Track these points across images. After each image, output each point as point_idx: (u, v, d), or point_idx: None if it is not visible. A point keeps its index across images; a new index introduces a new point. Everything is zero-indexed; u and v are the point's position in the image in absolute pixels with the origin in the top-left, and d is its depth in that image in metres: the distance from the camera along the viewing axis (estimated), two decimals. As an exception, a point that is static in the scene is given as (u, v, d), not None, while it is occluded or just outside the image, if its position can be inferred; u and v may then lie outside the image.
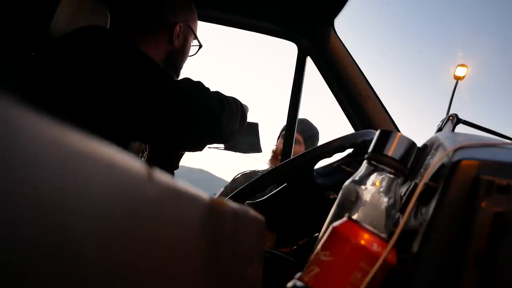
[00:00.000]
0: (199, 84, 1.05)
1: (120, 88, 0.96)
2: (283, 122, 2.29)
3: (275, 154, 2.26)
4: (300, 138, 2.21)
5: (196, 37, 1.27)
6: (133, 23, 1.19)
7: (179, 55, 1.24)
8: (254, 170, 2.23)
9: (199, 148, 1.11)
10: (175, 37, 1.19)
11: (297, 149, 2.06)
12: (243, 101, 1.22)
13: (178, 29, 1.19)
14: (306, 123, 2.29)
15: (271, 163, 2.25)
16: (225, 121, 1.05)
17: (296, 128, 2.18)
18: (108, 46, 1.02)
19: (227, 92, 1.15)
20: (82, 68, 0.97)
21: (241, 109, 1.14)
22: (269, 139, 2.34)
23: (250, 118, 1.26)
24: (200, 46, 1.30)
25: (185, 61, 1.28)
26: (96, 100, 0.96)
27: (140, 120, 0.98)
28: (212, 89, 1.09)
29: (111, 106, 0.96)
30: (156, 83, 0.99)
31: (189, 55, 1.29)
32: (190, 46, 1.27)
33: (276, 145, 2.28)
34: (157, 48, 1.19)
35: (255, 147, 1.34)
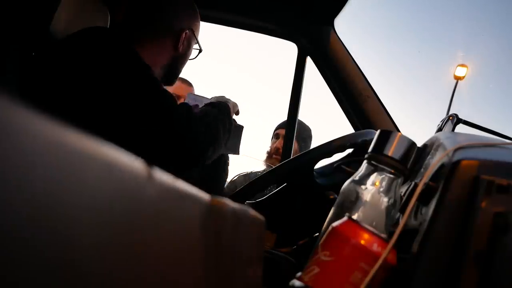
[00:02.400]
0: (191, 114, 1.06)
1: (111, 95, 0.97)
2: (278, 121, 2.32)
3: (269, 154, 2.27)
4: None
5: (197, 42, 1.27)
6: (138, 26, 1.18)
7: (181, 60, 1.25)
8: (252, 172, 2.24)
9: (189, 167, 1.12)
10: (180, 43, 1.20)
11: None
12: (245, 99, 1.23)
13: (184, 35, 1.20)
14: (300, 124, 2.29)
15: (267, 162, 2.26)
16: (211, 148, 1.07)
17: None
18: (107, 51, 1.02)
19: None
20: (79, 71, 0.98)
21: (224, 127, 1.13)
22: (266, 138, 2.35)
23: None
24: (200, 50, 1.30)
25: (184, 65, 1.29)
26: (91, 103, 0.96)
27: (133, 133, 0.97)
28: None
29: (104, 109, 0.97)
30: (155, 100, 1.00)
31: (189, 58, 1.30)
32: (191, 51, 1.28)
33: (270, 145, 2.29)
34: (161, 53, 1.19)
35: (234, 149, 1.33)
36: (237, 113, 1.28)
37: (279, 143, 2.23)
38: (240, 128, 1.30)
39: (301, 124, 2.28)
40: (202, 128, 1.04)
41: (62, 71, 0.99)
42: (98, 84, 0.97)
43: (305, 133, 2.28)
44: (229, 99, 1.25)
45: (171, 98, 1.03)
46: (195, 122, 1.04)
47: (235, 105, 1.26)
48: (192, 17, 1.24)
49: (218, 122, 1.10)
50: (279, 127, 2.27)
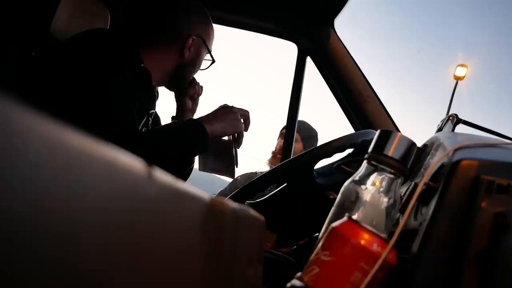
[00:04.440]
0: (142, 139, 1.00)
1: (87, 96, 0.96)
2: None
3: (274, 154, 2.28)
4: (298, 137, 2.22)
5: (209, 52, 1.25)
6: (143, 29, 1.18)
7: (188, 68, 1.23)
8: (255, 172, 2.24)
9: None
10: (186, 49, 1.18)
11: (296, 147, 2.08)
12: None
13: (190, 42, 1.18)
14: (303, 125, 2.30)
15: (270, 163, 2.26)
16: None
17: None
18: (106, 53, 1.02)
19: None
20: (73, 72, 0.98)
21: (176, 141, 1.03)
22: (269, 139, 2.36)
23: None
24: (213, 61, 1.27)
25: (194, 74, 1.26)
26: (78, 103, 0.96)
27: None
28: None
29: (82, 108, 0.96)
30: (116, 115, 0.97)
31: (201, 68, 1.27)
32: (201, 60, 1.25)
33: (276, 145, 2.30)
34: (165, 58, 1.18)
35: (228, 170, 1.22)
36: (246, 122, 1.17)
37: (280, 142, 2.23)
38: (228, 144, 1.19)
39: (307, 126, 2.30)
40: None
41: (58, 72, 0.99)
42: (81, 83, 0.97)
43: (309, 132, 2.29)
44: (233, 107, 1.15)
45: (125, 113, 0.99)
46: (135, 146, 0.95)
47: (233, 118, 1.13)
48: (202, 25, 1.22)
49: (165, 149, 1.01)
50: (282, 129, 2.28)
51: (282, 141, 2.24)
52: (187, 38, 1.18)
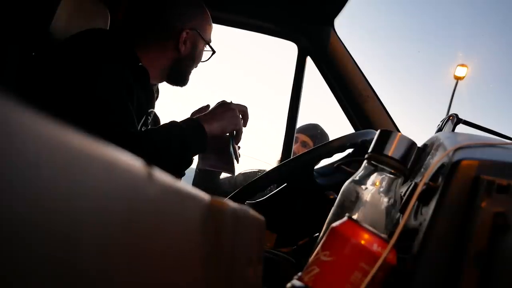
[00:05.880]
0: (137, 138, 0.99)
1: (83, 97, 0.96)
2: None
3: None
4: (310, 142, 2.23)
5: (207, 43, 1.24)
6: (139, 29, 1.18)
7: (187, 62, 1.22)
8: (255, 170, 2.24)
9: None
10: (181, 44, 1.18)
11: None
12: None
13: (184, 35, 1.18)
14: (317, 128, 2.30)
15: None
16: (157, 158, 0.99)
17: (308, 132, 2.21)
18: (103, 53, 1.02)
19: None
20: (71, 72, 0.98)
21: (174, 137, 1.02)
22: (268, 139, 2.35)
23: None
24: (213, 52, 1.26)
25: (194, 67, 1.26)
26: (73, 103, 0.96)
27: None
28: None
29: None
30: (114, 117, 0.97)
31: (201, 60, 1.26)
32: (200, 52, 1.24)
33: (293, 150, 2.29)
34: (163, 55, 1.18)
35: (228, 167, 1.19)
36: (244, 118, 1.16)
37: (296, 147, 2.23)
38: (225, 139, 1.16)
39: (322, 131, 2.29)
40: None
41: (56, 71, 0.99)
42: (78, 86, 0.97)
43: (324, 139, 2.29)
44: (231, 103, 1.14)
45: (119, 111, 0.99)
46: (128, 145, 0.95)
47: (231, 116, 1.10)
48: (195, 17, 1.21)
49: (161, 148, 1.00)
50: (296, 131, 2.27)
51: (296, 144, 2.25)
52: (181, 32, 1.17)
